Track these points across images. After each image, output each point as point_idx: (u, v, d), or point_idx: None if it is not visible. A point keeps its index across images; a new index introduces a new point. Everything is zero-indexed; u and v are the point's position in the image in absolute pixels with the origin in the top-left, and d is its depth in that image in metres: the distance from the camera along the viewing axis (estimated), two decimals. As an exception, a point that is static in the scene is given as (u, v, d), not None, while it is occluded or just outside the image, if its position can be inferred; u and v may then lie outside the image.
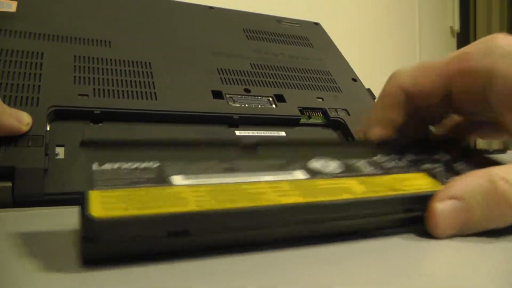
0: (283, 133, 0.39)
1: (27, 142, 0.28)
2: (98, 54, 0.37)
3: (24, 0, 0.39)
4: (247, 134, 0.37)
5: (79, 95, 0.33)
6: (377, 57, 1.68)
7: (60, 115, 0.32)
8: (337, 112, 0.42)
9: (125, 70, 0.36)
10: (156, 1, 0.47)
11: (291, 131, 0.40)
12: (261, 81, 0.42)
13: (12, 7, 0.38)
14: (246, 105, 0.38)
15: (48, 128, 0.30)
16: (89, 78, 0.34)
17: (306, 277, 0.16)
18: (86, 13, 0.41)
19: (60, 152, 0.30)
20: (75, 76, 0.34)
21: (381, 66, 1.67)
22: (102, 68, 0.36)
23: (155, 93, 0.36)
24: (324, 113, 0.42)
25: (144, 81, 0.36)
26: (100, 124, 0.33)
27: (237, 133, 0.37)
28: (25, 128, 0.28)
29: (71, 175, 0.29)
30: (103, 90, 0.34)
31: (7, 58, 0.33)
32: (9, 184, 0.27)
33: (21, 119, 0.28)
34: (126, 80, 0.36)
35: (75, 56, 0.36)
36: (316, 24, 0.56)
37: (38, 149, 0.28)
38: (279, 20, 0.53)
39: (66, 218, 0.23)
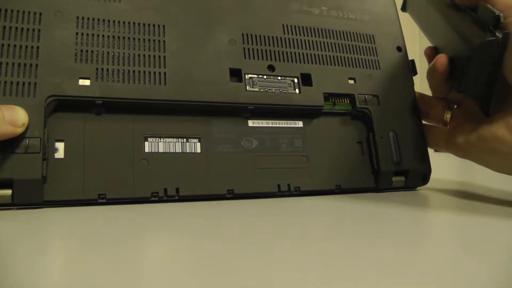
0: (300, 124, 0.36)
1: (24, 148, 0.27)
2: (105, 14, 0.32)
3: None
4: (260, 126, 0.35)
5: (80, 78, 0.30)
6: None
7: (60, 105, 0.29)
8: (366, 101, 0.38)
9: (134, 39, 0.32)
10: None
11: (310, 122, 0.37)
12: (290, 53, 0.37)
13: None
14: (266, 90, 0.35)
15: (47, 122, 0.29)
16: (92, 52, 0.31)
17: None
18: None
19: (60, 147, 0.29)
20: (76, 51, 0.30)
21: None
22: (108, 36, 0.31)
23: (164, 73, 0.32)
24: (352, 100, 0.38)
25: (155, 56, 0.32)
26: (102, 116, 0.31)
27: (250, 123, 0.35)
28: (20, 130, 0.27)
29: (70, 179, 0.29)
30: (107, 70, 0.31)
31: (1, 23, 0.29)
32: (9, 192, 0.27)
33: (15, 122, 0.27)
34: (134, 55, 0.32)
35: (77, 18, 0.31)
36: None
37: (35, 156, 0.27)
38: None
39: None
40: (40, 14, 0.30)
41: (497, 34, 0.30)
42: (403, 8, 0.42)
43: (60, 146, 0.29)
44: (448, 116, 0.38)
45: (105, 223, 0.25)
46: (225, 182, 0.32)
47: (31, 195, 0.27)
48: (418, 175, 0.38)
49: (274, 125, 0.35)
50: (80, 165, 0.29)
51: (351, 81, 0.38)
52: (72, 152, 0.29)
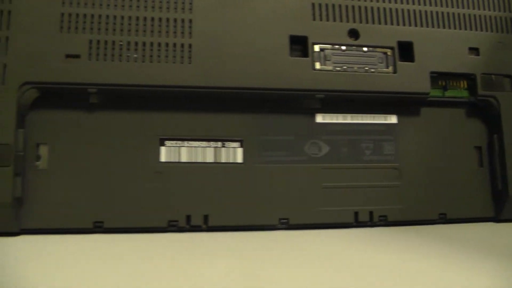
0: (393, 119, 0.25)
1: None
2: None
3: None
4: (333, 122, 0.24)
5: (67, 56, 0.20)
6: None
7: (40, 96, 0.20)
8: (492, 83, 0.25)
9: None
10: None
11: (407, 117, 0.25)
12: (383, 9, 0.24)
13: None
14: (345, 68, 0.23)
15: (23, 120, 0.20)
16: (84, 17, 0.20)
17: None
18: None
19: (43, 154, 0.20)
20: (62, 14, 0.20)
21: None
22: (110, -7, 0.21)
23: (189, 46, 0.21)
24: (471, 82, 0.25)
25: (175, 19, 0.21)
26: (100, 111, 0.21)
27: (319, 119, 0.23)
28: None
29: (56, 199, 0.20)
30: (105, 43, 0.20)
31: None
32: None
33: None
34: (145, 19, 0.21)
35: None
36: None
37: (3, 171, 0.19)
38: None
39: None
40: None
41: None
42: None
43: (43, 151, 0.20)
44: None
45: (101, 268, 0.16)
46: (276, 207, 0.22)
47: (1, 223, 0.19)
48: None
49: (354, 121, 0.24)
50: (70, 179, 0.20)
51: (472, 54, 0.25)
52: (59, 160, 0.21)
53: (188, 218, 0.21)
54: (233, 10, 0.22)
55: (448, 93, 0.25)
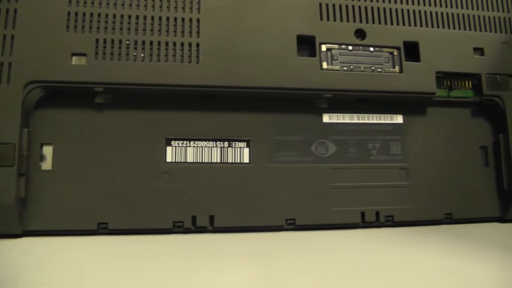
0: (399, 119, 0.24)
1: None
2: None
3: None
4: (340, 122, 0.24)
5: (74, 55, 0.20)
6: None
7: (46, 95, 0.20)
8: (498, 84, 0.25)
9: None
10: None
11: (413, 117, 0.25)
12: (389, 10, 0.24)
13: None
14: (351, 68, 0.23)
15: (29, 119, 0.19)
16: (91, 16, 0.20)
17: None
18: None
19: (47, 155, 0.20)
20: (69, 13, 0.20)
21: None
22: (116, -9, 0.21)
23: (197, 45, 0.21)
24: (476, 83, 0.25)
25: (183, 18, 0.21)
26: (106, 110, 0.21)
27: (326, 119, 0.23)
28: None
29: (60, 200, 0.20)
30: (112, 42, 0.20)
31: None
32: None
33: None
34: (153, 18, 0.21)
35: None
36: None
37: (7, 171, 0.18)
38: None
39: None
40: None
41: None
42: None
43: (47, 152, 0.20)
44: None
45: (105, 270, 0.15)
46: (283, 207, 0.22)
47: (3, 225, 0.19)
48: None
49: (361, 121, 0.24)
50: (75, 180, 0.20)
51: (477, 54, 0.25)
52: (64, 161, 0.20)
53: (194, 219, 0.21)
54: (241, 10, 0.22)
55: (454, 93, 0.25)
